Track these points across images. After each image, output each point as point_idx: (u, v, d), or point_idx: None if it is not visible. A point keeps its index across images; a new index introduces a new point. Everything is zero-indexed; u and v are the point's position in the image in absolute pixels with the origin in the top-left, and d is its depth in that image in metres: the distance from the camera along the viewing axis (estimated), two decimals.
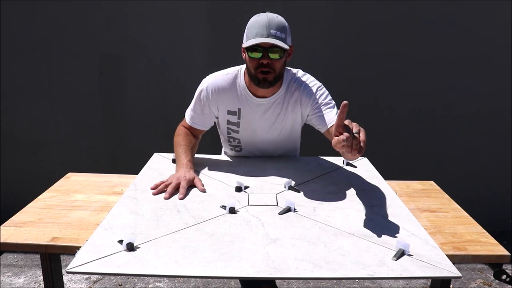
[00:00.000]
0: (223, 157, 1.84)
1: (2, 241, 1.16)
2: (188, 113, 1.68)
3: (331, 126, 1.51)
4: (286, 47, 1.42)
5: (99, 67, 2.73)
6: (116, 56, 2.72)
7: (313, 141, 1.94)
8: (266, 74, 1.46)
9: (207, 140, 1.93)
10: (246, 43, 1.44)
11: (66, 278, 2.37)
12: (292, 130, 1.70)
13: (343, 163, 1.73)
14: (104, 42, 2.69)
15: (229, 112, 1.63)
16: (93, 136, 2.86)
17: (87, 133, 2.85)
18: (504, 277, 1.16)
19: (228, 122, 1.66)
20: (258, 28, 1.41)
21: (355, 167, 1.70)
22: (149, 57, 2.71)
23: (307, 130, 1.81)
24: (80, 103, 2.79)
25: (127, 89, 2.78)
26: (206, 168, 1.65)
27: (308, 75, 1.64)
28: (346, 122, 1.14)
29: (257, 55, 1.43)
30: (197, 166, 1.61)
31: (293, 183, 1.49)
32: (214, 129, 1.76)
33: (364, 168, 1.69)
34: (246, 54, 1.48)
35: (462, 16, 2.62)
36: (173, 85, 2.75)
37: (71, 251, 1.09)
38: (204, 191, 1.42)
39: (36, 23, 2.65)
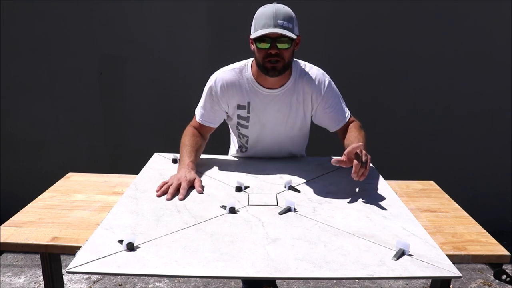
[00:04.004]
0: (223, 157, 1.84)
1: (2, 241, 1.16)
2: (198, 111, 1.68)
3: (339, 128, 1.66)
4: (294, 36, 1.43)
5: (99, 67, 2.73)
6: (116, 56, 2.72)
7: (314, 142, 1.93)
8: (275, 63, 1.47)
9: (208, 141, 1.92)
10: (254, 34, 1.45)
11: (66, 278, 2.37)
12: (301, 127, 1.70)
13: None
14: (104, 42, 2.69)
15: (239, 107, 1.63)
16: (93, 136, 2.86)
17: (87, 133, 2.85)
18: (504, 277, 1.16)
19: (238, 117, 1.66)
20: (266, 18, 1.42)
21: None
22: (149, 57, 2.71)
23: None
24: (80, 103, 2.79)
25: (127, 89, 2.78)
26: (207, 168, 1.65)
27: (316, 68, 1.65)
28: (358, 149, 1.35)
29: (265, 45, 1.45)
30: (198, 166, 1.61)
31: (293, 183, 1.49)
32: (216, 131, 1.75)
33: None
34: (255, 45, 1.49)
35: (463, 15, 2.62)
36: (173, 85, 2.75)
37: (71, 251, 1.09)
38: (201, 192, 1.42)
39: (36, 23, 2.65)
